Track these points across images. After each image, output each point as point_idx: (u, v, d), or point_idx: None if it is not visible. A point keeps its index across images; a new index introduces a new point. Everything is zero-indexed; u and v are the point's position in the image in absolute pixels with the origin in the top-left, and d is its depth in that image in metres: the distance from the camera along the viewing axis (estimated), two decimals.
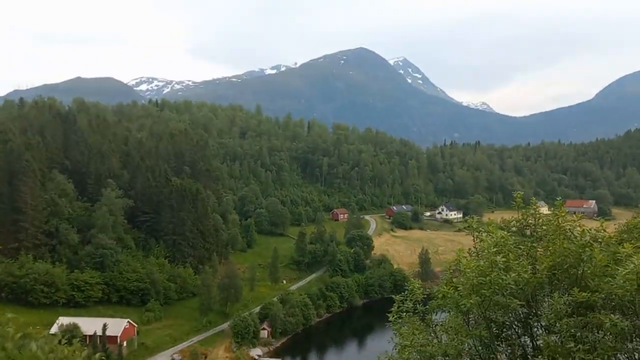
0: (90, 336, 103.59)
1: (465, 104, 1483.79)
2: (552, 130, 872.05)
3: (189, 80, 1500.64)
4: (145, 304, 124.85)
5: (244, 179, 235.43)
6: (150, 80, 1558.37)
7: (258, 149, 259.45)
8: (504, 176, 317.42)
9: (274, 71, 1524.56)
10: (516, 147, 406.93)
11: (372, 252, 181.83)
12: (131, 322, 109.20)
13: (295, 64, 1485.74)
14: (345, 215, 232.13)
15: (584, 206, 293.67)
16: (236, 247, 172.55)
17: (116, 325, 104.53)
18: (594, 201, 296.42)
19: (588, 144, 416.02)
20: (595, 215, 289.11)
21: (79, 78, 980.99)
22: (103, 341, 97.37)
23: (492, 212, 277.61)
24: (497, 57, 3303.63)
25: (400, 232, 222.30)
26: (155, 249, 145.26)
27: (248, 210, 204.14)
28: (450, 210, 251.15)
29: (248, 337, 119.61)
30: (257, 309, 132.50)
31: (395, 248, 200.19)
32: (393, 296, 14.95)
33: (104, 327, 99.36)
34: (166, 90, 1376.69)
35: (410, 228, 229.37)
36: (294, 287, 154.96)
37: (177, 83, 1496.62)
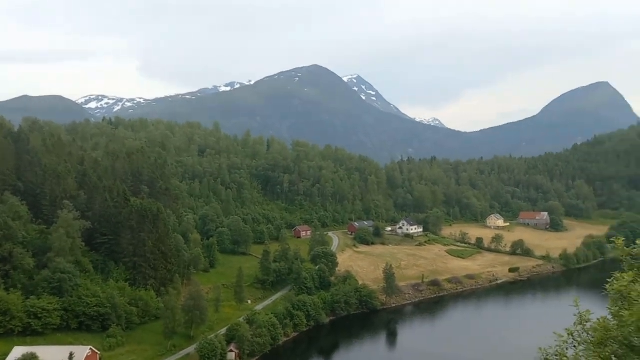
0: None
1: (418, 120, 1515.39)
2: (502, 145, 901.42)
3: (140, 98, 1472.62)
4: (107, 330, 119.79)
5: (204, 198, 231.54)
6: (100, 98, 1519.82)
7: (218, 167, 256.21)
8: (460, 190, 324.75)
9: (228, 88, 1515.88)
10: (470, 161, 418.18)
11: (337, 269, 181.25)
12: (93, 349, 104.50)
13: (250, 81, 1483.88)
14: (308, 233, 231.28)
15: (537, 218, 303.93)
16: (199, 268, 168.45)
17: (78, 353, 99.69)
18: (546, 213, 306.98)
19: (538, 158, 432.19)
20: (547, 226, 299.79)
21: (25, 96, 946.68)
22: None
23: (451, 225, 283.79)
24: (447, 74, 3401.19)
25: (363, 248, 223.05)
26: (115, 272, 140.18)
27: (209, 230, 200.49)
28: (411, 225, 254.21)
29: None
30: (224, 331, 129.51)
31: (359, 264, 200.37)
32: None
33: (71, 355, 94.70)
34: (117, 108, 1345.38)
35: (373, 243, 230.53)
36: (259, 307, 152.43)
37: (128, 101, 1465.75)
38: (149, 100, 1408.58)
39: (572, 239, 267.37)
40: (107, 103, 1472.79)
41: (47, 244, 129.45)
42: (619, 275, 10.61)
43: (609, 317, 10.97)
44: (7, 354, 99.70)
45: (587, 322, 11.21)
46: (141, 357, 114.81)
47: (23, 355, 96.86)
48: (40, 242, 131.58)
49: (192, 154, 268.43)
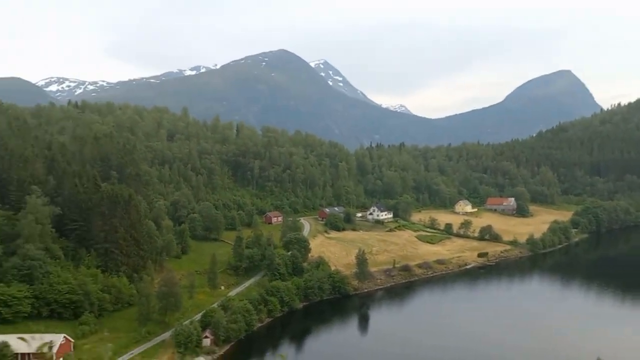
0: (22, 354, 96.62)
1: (384, 106, 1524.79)
2: (467, 132, 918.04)
3: (102, 81, 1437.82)
4: (79, 317, 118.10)
5: (174, 183, 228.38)
6: (61, 80, 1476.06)
7: (187, 152, 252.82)
8: (429, 176, 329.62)
9: (193, 72, 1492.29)
10: (439, 147, 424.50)
11: (309, 255, 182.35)
12: (67, 337, 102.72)
13: (216, 65, 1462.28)
14: (279, 219, 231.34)
15: (504, 203, 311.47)
16: (171, 254, 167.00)
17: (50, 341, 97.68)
18: (512, 199, 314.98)
19: (504, 144, 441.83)
20: (514, 211, 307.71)
21: None
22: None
23: (420, 211, 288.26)
24: (414, 61, 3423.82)
25: (334, 234, 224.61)
26: (86, 259, 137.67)
27: (181, 216, 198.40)
28: (381, 211, 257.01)
29: (191, 346, 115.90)
30: (198, 317, 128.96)
31: (331, 250, 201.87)
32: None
33: (50, 344, 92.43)
34: (79, 91, 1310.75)
35: (344, 229, 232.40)
36: (233, 293, 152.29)
37: (91, 84, 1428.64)
38: (112, 83, 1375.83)
39: (537, 224, 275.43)
40: (68, 86, 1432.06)
41: (15, 230, 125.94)
42: None
43: None
44: None
45: None
46: (115, 344, 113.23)
47: None
48: (7, 228, 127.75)
49: (161, 139, 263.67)
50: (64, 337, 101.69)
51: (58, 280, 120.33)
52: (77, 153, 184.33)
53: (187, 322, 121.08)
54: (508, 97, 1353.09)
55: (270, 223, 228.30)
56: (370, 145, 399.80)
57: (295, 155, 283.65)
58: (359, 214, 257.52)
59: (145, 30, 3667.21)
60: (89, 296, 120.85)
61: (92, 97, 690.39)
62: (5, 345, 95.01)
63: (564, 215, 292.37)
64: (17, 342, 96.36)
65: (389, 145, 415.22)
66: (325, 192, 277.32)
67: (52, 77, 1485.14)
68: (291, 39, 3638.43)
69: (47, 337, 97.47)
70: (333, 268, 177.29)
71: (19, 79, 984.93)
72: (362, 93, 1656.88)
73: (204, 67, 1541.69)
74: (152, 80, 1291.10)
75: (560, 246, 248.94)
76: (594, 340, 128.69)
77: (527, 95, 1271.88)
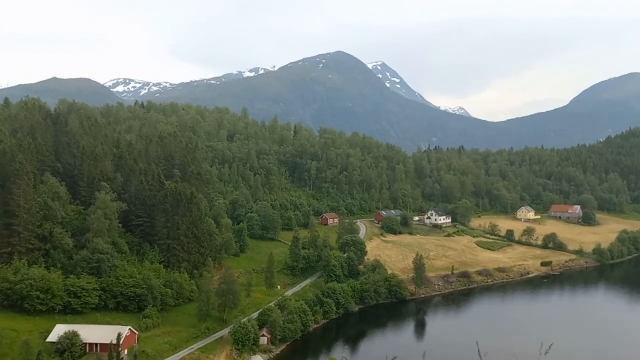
0: (90, 344, 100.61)
1: (443, 108, 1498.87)
2: (530, 136, 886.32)
3: (166, 82, 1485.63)
4: (143, 311, 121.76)
5: (233, 183, 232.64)
6: (127, 81, 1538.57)
7: (247, 153, 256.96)
8: (489, 181, 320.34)
9: (252, 74, 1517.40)
10: (500, 151, 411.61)
11: (366, 258, 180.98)
12: (132, 329, 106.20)
13: (274, 67, 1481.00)
14: (335, 220, 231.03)
15: (569, 211, 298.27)
16: (230, 252, 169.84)
17: (116, 333, 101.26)
18: (578, 206, 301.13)
19: (570, 150, 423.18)
20: (580, 220, 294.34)
21: (55, 79, 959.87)
22: (117, 351, 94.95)
23: (480, 216, 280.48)
24: (474, 62, 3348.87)
25: (391, 237, 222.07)
26: (150, 254, 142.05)
27: (239, 215, 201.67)
28: (440, 215, 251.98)
29: (248, 344, 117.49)
30: (256, 315, 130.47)
31: (387, 253, 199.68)
32: None
33: (119, 336, 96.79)
34: (144, 92, 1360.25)
35: (400, 233, 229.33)
36: (289, 293, 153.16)
37: (155, 85, 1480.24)
38: (174, 84, 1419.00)
39: (605, 233, 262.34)
40: (134, 87, 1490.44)
41: (86, 225, 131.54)
42: None
43: None
44: (49, 332, 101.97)
45: None
46: (176, 338, 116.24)
47: (65, 333, 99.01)
48: (78, 222, 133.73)
49: (221, 139, 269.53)
50: (130, 329, 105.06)
51: (124, 274, 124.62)
52: (143, 151, 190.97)
53: (245, 320, 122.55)
54: (574, 101, 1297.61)
55: (326, 224, 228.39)
56: (429, 148, 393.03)
57: (352, 157, 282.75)
58: (416, 218, 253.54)
59: (207, 32, 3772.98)
60: (153, 290, 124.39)
61: (155, 98, 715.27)
62: (75, 334, 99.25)
63: (633, 225, 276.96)
64: (86, 332, 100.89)
65: (447, 149, 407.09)
66: (382, 195, 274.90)
67: (119, 78, 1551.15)
68: (349, 41, 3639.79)
69: (114, 329, 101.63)
70: (389, 272, 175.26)
71: (88, 80, 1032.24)
72: (420, 95, 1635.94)
73: (262, 69, 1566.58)
74: (212, 82, 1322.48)
75: (629, 257, 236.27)
76: None
77: (594, 98, 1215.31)
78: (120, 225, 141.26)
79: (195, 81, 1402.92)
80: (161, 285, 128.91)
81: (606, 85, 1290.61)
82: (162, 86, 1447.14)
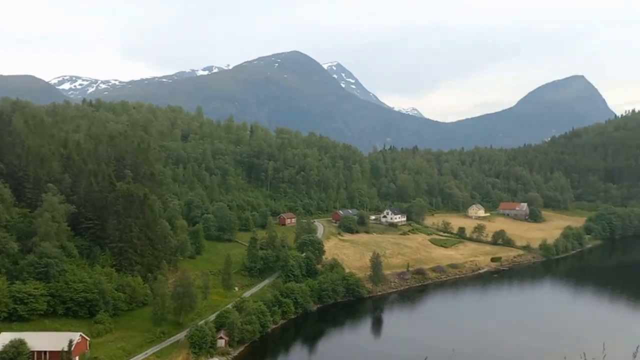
0: (38, 352, 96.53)
1: (397, 109, 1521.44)
2: (479, 136, 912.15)
3: (115, 80, 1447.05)
4: (94, 316, 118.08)
5: (188, 184, 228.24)
6: (74, 79, 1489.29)
7: (202, 152, 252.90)
8: (442, 180, 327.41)
9: (206, 72, 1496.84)
10: (452, 151, 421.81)
11: (323, 257, 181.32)
12: (83, 335, 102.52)
13: (228, 65, 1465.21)
14: (293, 220, 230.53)
15: (517, 208, 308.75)
16: (185, 254, 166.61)
17: (67, 340, 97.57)
18: (525, 204, 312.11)
19: (517, 149, 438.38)
20: (526, 217, 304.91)
21: None
22: (68, 358, 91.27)
23: (433, 214, 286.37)
24: (427, 64, 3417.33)
25: (348, 236, 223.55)
26: (101, 257, 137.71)
27: (195, 216, 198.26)
28: (395, 214, 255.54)
29: (205, 347, 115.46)
30: (213, 317, 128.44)
31: (344, 252, 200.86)
32: None
33: (70, 343, 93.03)
34: (91, 89, 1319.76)
35: (357, 232, 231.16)
36: (247, 294, 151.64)
37: (103, 82, 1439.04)
38: (124, 82, 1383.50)
39: (550, 229, 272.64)
40: (81, 84, 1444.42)
41: (32, 228, 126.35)
42: None
43: None
44: None
45: None
46: (130, 343, 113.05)
47: (11, 342, 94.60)
48: (24, 225, 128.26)
49: (175, 138, 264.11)
50: (81, 335, 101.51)
51: (74, 278, 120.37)
52: (92, 151, 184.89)
53: (201, 322, 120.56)
54: (520, 102, 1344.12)
55: (284, 224, 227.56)
56: (384, 148, 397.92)
57: (309, 157, 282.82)
58: (373, 217, 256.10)
59: (157, 30, 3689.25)
60: (104, 295, 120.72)
61: (104, 96, 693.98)
62: (22, 342, 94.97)
63: (577, 222, 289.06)
64: (33, 339, 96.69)
65: (402, 148, 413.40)
66: (339, 195, 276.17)
67: (64, 76, 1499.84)
68: (304, 41, 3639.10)
69: (65, 336, 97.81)
70: (347, 270, 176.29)
71: (32, 76, 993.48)
72: (374, 95, 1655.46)
73: (216, 67, 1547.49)
74: (164, 80, 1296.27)
75: (573, 252, 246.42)
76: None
77: (539, 100, 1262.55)
78: (69, 228, 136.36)
79: (146, 79, 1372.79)
80: (113, 289, 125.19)
81: (550, 88, 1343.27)
82: (110, 84, 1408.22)
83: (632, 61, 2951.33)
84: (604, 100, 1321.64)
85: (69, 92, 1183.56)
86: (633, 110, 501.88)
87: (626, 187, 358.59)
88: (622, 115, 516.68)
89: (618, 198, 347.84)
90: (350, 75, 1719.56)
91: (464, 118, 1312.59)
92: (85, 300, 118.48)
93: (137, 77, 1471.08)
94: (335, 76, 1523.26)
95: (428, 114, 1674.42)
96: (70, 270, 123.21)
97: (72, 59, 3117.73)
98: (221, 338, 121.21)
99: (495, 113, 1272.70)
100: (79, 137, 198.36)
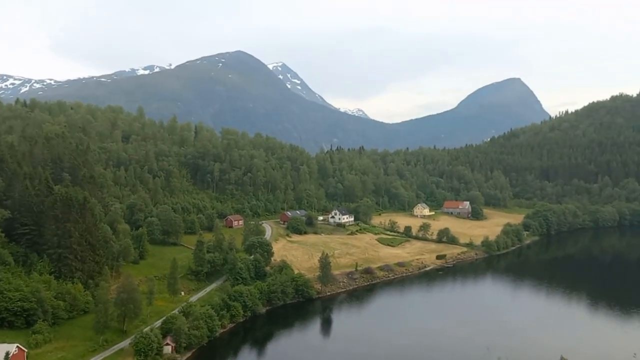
0: None
1: (342, 110, 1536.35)
2: (424, 137, 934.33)
3: (50, 79, 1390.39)
4: (32, 326, 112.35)
5: (130, 186, 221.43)
6: (4, 77, 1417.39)
7: (144, 154, 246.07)
8: (388, 180, 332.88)
9: (147, 72, 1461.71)
10: (397, 152, 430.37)
11: (272, 259, 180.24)
12: (20, 346, 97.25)
13: (170, 65, 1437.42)
14: (240, 222, 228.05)
15: (460, 207, 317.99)
16: (128, 259, 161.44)
17: (2, 352, 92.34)
18: (468, 202, 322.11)
19: (459, 149, 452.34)
20: (469, 215, 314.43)
21: None
22: None
23: (380, 214, 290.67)
24: (372, 67, 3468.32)
25: (296, 237, 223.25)
26: (39, 265, 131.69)
27: (138, 219, 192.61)
28: (343, 214, 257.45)
29: (151, 354, 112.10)
30: (158, 324, 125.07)
31: (293, 253, 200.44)
32: None
33: (7, 355, 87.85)
34: (24, 89, 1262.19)
35: (305, 233, 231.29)
36: (194, 298, 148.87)
37: (37, 82, 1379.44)
38: (60, 81, 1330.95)
39: (491, 226, 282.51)
40: (12, 83, 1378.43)
41: None
42: None
43: None
44: None
45: None
46: (71, 353, 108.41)
47: None
48: None
49: (115, 139, 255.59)
50: (17, 346, 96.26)
51: (9, 287, 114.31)
52: (27, 154, 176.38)
53: (146, 329, 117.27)
54: (461, 104, 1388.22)
55: (231, 227, 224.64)
56: (330, 149, 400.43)
57: (256, 158, 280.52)
58: (321, 218, 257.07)
59: (93, 27, 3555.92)
60: (42, 303, 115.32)
61: (39, 96, 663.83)
62: None
63: (516, 219, 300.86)
64: None
65: (348, 149, 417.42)
66: (286, 196, 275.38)
67: None
68: (248, 41, 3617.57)
69: (0, 348, 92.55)
70: (296, 272, 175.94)
71: None
72: (320, 97, 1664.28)
73: (157, 66, 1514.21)
74: (102, 79, 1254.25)
75: (513, 248, 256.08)
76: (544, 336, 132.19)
77: (479, 102, 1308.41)
78: (3, 235, 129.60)
79: (84, 78, 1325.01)
80: (52, 297, 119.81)
81: (488, 90, 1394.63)
82: (45, 83, 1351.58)
83: (564, 66, 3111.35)
84: (539, 102, 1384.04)
85: (0, 92, 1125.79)
86: (566, 112, 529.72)
87: (560, 185, 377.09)
88: (556, 116, 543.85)
89: (553, 195, 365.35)
90: (295, 75, 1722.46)
91: (408, 119, 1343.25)
92: (22, 310, 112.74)
93: (73, 77, 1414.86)
94: (280, 77, 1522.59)
95: (373, 115, 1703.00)
96: (5, 279, 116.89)
97: (3, 57, 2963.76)
98: (167, 344, 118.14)
99: (438, 114, 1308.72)
100: (13, 138, 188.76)
